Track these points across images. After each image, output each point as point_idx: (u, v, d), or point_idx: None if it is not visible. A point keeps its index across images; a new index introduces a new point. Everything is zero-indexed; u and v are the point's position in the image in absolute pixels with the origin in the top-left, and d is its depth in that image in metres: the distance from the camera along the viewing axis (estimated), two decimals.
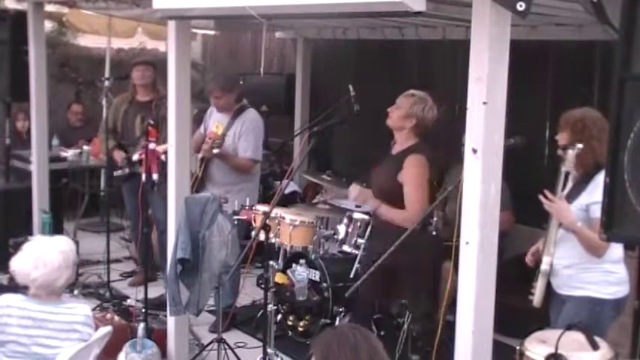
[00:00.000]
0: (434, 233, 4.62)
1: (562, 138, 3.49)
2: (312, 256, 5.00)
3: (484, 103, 2.72)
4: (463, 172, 2.84)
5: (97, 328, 3.38)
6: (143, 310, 4.81)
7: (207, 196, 4.40)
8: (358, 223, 4.61)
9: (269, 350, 4.34)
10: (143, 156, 4.97)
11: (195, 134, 5.35)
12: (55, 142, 7.41)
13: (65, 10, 7.88)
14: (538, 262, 3.47)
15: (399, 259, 3.67)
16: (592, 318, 3.31)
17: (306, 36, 7.65)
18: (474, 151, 2.76)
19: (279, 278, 4.83)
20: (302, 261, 4.95)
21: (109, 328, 3.40)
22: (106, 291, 5.66)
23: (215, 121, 5.42)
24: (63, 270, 3.20)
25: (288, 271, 4.95)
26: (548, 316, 3.63)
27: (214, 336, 4.51)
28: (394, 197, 4.19)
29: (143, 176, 4.93)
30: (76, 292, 5.72)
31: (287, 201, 6.09)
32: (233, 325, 5.20)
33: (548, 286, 3.46)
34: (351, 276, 4.60)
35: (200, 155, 5.31)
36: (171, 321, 4.62)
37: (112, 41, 8.52)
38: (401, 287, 4.15)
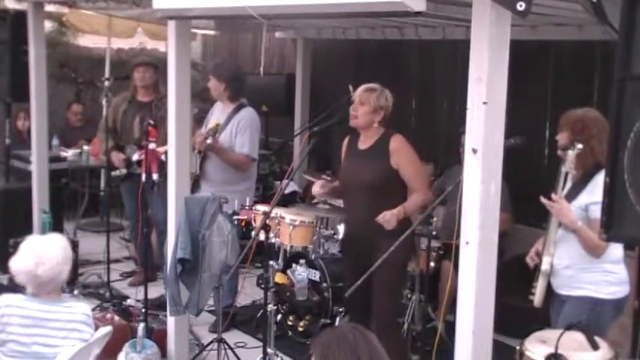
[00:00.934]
0: (434, 233, 4.65)
1: (562, 138, 3.49)
2: (312, 256, 5.00)
3: (484, 103, 2.72)
4: (463, 172, 2.84)
5: (97, 328, 3.38)
6: (143, 310, 4.81)
7: (207, 196, 4.40)
8: None
9: (269, 350, 4.34)
10: (143, 156, 4.97)
11: (196, 134, 5.34)
12: (55, 142, 7.41)
13: (65, 10, 7.88)
14: (538, 262, 3.47)
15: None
16: (592, 318, 3.31)
17: (306, 36, 7.65)
18: (474, 151, 2.76)
19: (279, 278, 4.82)
20: (302, 261, 4.96)
21: (109, 328, 3.40)
22: (106, 291, 5.66)
23: (215, 118, 5.42)
24: (64, 264, 3.22)
25: (288, 271, 4.95)
26: (548, 316, 3.63)
27: (214, 336, 4.52)
28: (389, 187, 4.07)
29: (143, 176, 4.93)
30: (76, 292, 5.72)
31: (287, 201, 6.09)
32: (233, 325, 5.20)
33: (549, 286, 3.46)
34: None
35: (195, 149, 5.25)
36: (171, 321, 4.62)
37: (112, 41, 8.53)
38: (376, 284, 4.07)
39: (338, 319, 4.88)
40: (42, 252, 3.17)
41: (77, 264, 6.08)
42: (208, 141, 5.06)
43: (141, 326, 4.41)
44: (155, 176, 4.96)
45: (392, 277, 4.01)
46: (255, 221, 4.73)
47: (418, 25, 6.10)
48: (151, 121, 4.99)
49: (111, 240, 5.85)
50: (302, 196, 7.02)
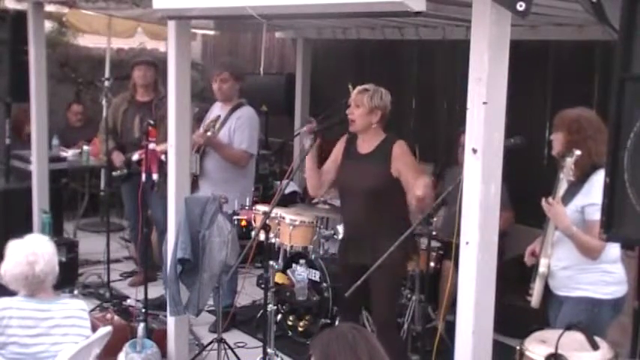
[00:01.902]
0: (434, 233, 4.64)
1: (557, 138, 3.47)
2: (312, 256, 5.00)
3: (484, 103, 2.72)
4: (463, 172, 2.84)
5: (97, 328, 3.39)
6: (143, 310, 4.81)
7: (207, 196, 4.40)
8: None
9: (269, 350, 4.34)
10: (143, 156, 4.97)
11: (196, 132, 5.35)
12: (55, 142, 7.40)
13: (65, 10, 7.88)
14: (535, 262, 3.46)
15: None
16: (591, 318, 3.30)
17: (306, 36, 7.65)
18: (474, 151, 2.76)
19: (279, 278, 4.83)
20: (302, 261, 4.95)
21: (109, 328, 3.40)
22: (106, 291, 5.66)
23: (215, 115, 5.43)
24: (56, 258, 3.23)
25: (288, 271, 4.95)
26: (548, 317, 3.63)
27: (214, 336, 4.52)
28: (389, 192, 4.05)
29: (143, 176, 4.93)
30: (76, 292, 5.72)
31: (287, 201, 6.09)
32: (233, 325, 5.20)
33: (546, 287, 3.46)
34: None
35: (195, 143, 5.22)
36: (171, 321, 4.62)
37: (112, 41, 8.53)
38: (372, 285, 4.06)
39: (338, 319, 4.87)
40: (34, 251, 3.16)
41: (77, 264, 6.10)
42: (209, 133, 5.07)
43: (141, 326, 4.41)
44: (155, 176, 4.96)
45: (390, 278, 4.00)
46: (255, 221, 4.73)
47: (418, 25, 6.10)
48: (151, 121, 4.99)
49: (111, 240, 5.85)
50: (302, 196, 7.02)
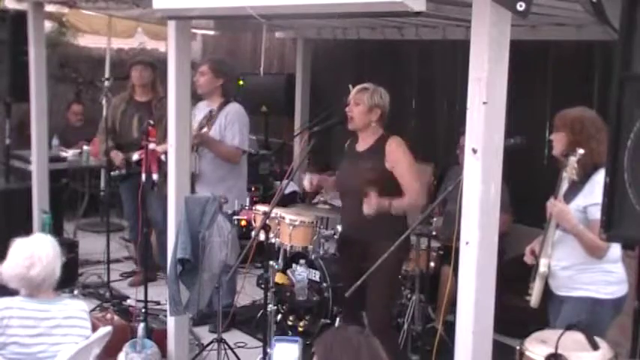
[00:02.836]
0: (434, 233, 4.65)
1: (559, 138, 3.46)
2: (312, 256, 5.00)
3: (484, 103, 2.72)
4: (463, 172, 2.84)
5: (97, 328, 3.38)
6: (143, 310, 4.81)
7: (207, 196, 4.40)
8: None
9: (269, 350, 4.34)
10: (143, 156, 4.97)
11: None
12: (55, 142, 7.40)
13: (65, 10, 7.87)
14: (535, 262, 3.46)
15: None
16: (592, 318, 3.30)
17: (306, 36, 7.65)
18: (474, 151, 2.76)
19: (279, 278, 4.83)
20: (302, 261, 4.95)
21: (109, 328, 3.40)
22: (106, 291, 5.66)
23: (204, 114, 5.43)
24: (57, 260, 3.22)
25: (288, 271, 4.95)
26: (548, 317, 3.63)
27: (214, 336, 4.51)
28: (383, 190, 4.04)
29: (143, 176, 4.93)
30: (76, 292, 5.72)
31: (287, 201, 6.09)
32: (233, 325, 5.19)
33: (546, 287, 3.45)
34: None
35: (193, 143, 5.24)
36: (171, 321, 4.62)
37: (112, 41, 8.53)
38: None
39: (338, 319, 4.87)
40: (33, 253, 3.16)
41: (77, 264, 6.09)
42: (205, 129, 5.06)
43: (141, 326, 4.41)
44: (155, 176, 4.96)
45: (385, 278, 3.99)
46: (255, 221, 4.73)
47: (418, 25, 6.10)
48: (151, 122, 4.99)
49: (111, 240, 5.84)
50: (302, 196, 7.02)
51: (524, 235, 4.76)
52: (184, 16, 4.24)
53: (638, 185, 2.04)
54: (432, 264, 4.97)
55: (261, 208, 4.85)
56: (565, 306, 3.47)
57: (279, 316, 5.02)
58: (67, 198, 7.36)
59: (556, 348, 2.73)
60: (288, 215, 4.79)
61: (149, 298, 4.96)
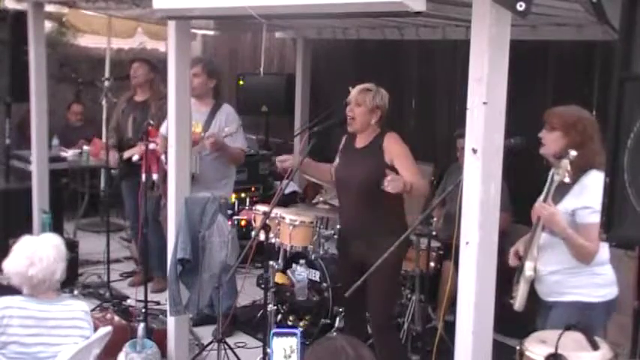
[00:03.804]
0: (434, 233, 4.64)
1: (553, 138, 3.35)
2: (312, 256, 5.00)
3: (484, 103, 2.72)
4: (463, 172, 2.84)
5: (97, 328, 3.38)
6: (143, 310, 4.81)
7: (207, 196, 4.40)
8: None
9: (269, 350, 4.33)
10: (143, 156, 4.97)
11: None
12: (55, 142, 7.40)
13: (65, 10, 7.88)
14: (519, 264, 3.38)
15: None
16: (583, 323, 3.19)
17: (306, 36, 7.65)
18: (474, 151, 2.76)
19: (279, 278, 4.83)
20: (302, 261, 4.96)
21: (109, 328, 3.40)
22: (106, 291, 5.66)
23: (193, 120, 5.40)
24: (58, 263, 3.22)
25: (288, 271, 4.95)
26: (536, 324, 3.55)
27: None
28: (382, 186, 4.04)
29: (143, 176, 4.93)
30: (76, 292, 5.73)
31: (287, 201, 6.09)
32: (235, 328, 5.19)
33: (532, 294, 3.37)
34: None
35: (206, 151, 5.14)
36: (171, 321, 4.62)
37: (112, 41, 8.52)
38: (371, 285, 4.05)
39: (338, 319, 4.88)
40: (34, 253, 3.16)
41: (77, 264, 6.09)
42: (223, 134, 4.97)
43: (141, 326, 4.41)
44: (155, 176, 4.96)
45: (385, 277, 3.99)
46: (255, 221, 4.73)
47: (418, 25, 6.10)
48: (151, 121, 4.99)
49: (111, 240, 5.85)
50: (302, 196, 7.02)
51: (524, 235, 4.76)
52: (184, 16, 4.24)
53: (638, 185, 2.04)
54: (432, 264, 4.97)
55: (261, 208, 4.86)
56: (554, 311, 3.38)
57: (279, 316, 5.02)
58: (67, 198, 7.36)
59: (556, 348, 2.73)
60: (288, 215, 4.79)
61: (149, 298, 4.96)
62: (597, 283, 3.35)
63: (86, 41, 9.12)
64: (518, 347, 2.97)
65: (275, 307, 4.57)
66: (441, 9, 4.00)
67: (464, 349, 2.86)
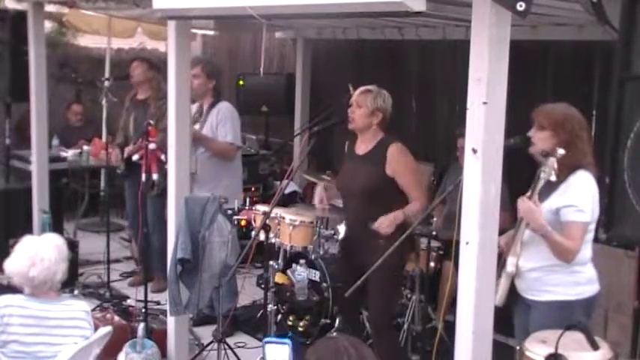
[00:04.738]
0: (434, 233, 4.65)
1: (543, 137, 3.33)
2: (312, 256, 5.00)
3: (484, 103, 2.72)
4: (463, 172, 2.84)
5: (97, 328, 3.38)
6: (143, 310, 4.81)
7: (207, 196, 4.40)
8: None
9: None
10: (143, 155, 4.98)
11: None
12: (55, 142, 7.40)
13: (65, 10, 7.88)
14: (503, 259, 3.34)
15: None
16: (562, 323, 3.18)
17: (306, 36, 7.65)
18: (474, 151, 2.76)
19: (279, 278, 4.82)
20: (302, 261, 4.95)
21: (109, 328, 3.40)
22: (106, 291, 5.66)
23: (195, 111, 5.44)
24: (60, 263, 3.22)
25: (288, 271, 4.95)
26: (513, 321, 3.53)
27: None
28: (383, 194, 4.06)
29: (143, 176, 4.93)
30: (76, 292, 5.72)
31: (287, 201, 6.09)
32: (235, 329, 5.18)
33: (513, 288, 3.35)
34: None
35: (200, 150, 5.26)
36: (171, 321, 4.62)
37: (112, 41, 8.53)
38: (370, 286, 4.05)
39: (338, 319, 4.87)
40: (35, 253, 3.17)
41: (77, 264, 6.09)
42: (197, 126, 5.04)
43: (141, 326, 4.41)
44: (155, 176, 4.96)
45: (387, 278, 3.98)
46: (255, 221, 4.73)
47: (418, 25, 6.10)
48: (151, 121, 4.99)
49: (111, 240, 5.85)
50: (302, 196, 7.02)
51: None
52: (184, 16, 4.24)
53: (638, 185, 2.04)
54: (432, 264, 4.97)
55: (261, 208, 4.86)
56: (534, 312, 3.36)
57: (279, 316, 5.02)
58: (67, 198, 7.36)
59: (556, 348, 2.73)
60: (288, 215, 4.79)
61: (149, 298, 4.97)
62: (575, 281, 3.30)
63: (86, 41, 9.13)
64: (518, 347, 2.97)
65: (275, 307, 4.57)
66: (441, 9, 4.00)
67: (464, 349, 2.86)
